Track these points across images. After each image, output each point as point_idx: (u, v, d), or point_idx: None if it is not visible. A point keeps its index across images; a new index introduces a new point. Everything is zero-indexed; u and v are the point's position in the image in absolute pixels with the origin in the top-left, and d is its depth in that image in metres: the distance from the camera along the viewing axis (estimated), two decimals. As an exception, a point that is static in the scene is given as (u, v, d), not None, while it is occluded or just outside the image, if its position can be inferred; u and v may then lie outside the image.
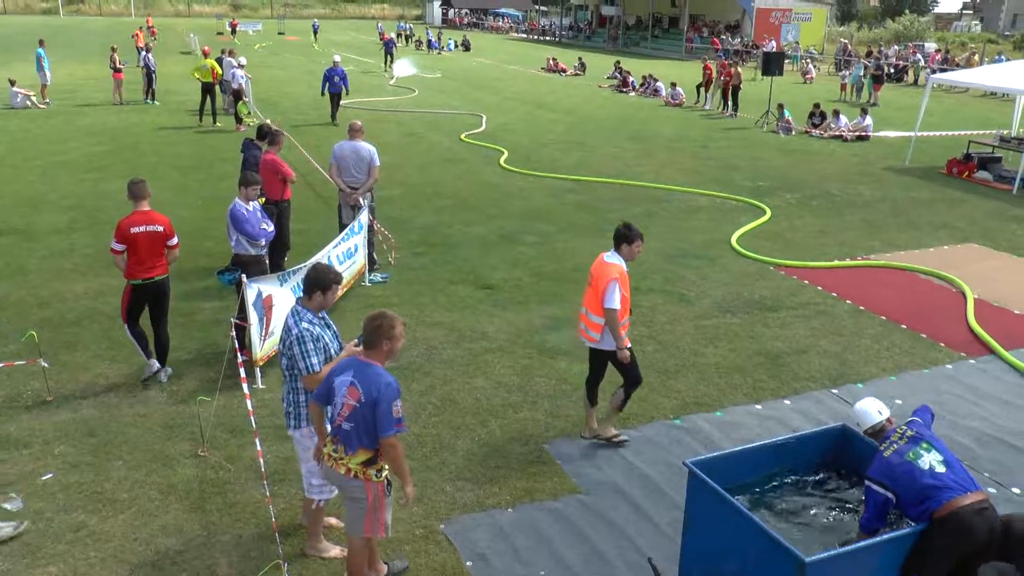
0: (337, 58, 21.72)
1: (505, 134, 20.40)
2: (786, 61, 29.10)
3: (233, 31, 53.98)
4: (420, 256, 10.92)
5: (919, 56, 39.46)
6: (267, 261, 8.11)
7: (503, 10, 78.29)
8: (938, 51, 41.16)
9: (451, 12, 77.55)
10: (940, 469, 4.33)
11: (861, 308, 9.49)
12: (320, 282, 4.77)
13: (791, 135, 21.55)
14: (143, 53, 24.54)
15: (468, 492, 5.84)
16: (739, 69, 25.59)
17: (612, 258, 6.12)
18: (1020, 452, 6.53)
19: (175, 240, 7.19)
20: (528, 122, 22.63)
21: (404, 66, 35.34)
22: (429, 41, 49.89)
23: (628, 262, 6.16)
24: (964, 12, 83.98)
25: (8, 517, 5.41)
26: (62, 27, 58.30)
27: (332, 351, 4.80)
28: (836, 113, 22.00)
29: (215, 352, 7.83)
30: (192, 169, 15.77)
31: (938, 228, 12.99)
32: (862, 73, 30.12)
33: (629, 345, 6.15)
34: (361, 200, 9.68)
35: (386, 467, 4.47)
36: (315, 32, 53.51)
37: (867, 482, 4.44)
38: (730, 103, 25.08)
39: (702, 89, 27.23)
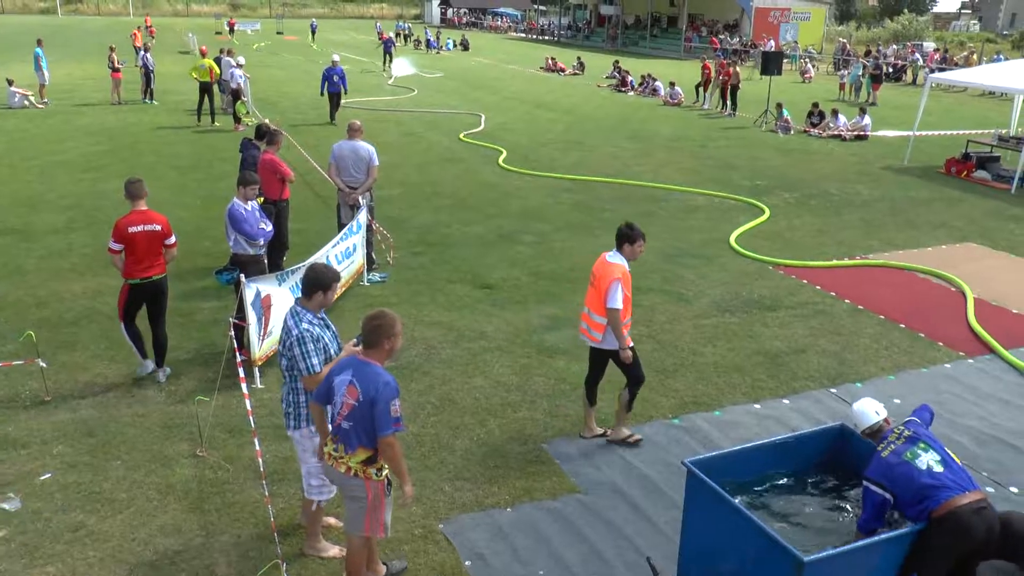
0: (336, 57, 21.71)
1: (504, 134, 20.39)
2: (785, 60, 29.12)
3: (231, 30, 53.96)
4: (419, 256, 10.92)
5: (917, 55, 39.48)
6: (265, 261, 8.11)
7: (502, 9, 78.28)
8: (936, 50, 41.18)
9: (450, 11, 77.53)
10: (938, 468, 4.34)
11: (860, 307, 9.50)
12: (321, 282, 4.77)
13: (790, 134, 21.55)
14: (141, 53, 24.52)
15: (467, 492, 5.84)
16: (737, 68, 25.59)
17: (614, 258, 6.12)
18: (1018, 451, 6.54)
19: (173, 239, 7.18)
20: (527, 122, 22.63)
21: (403, 65, 35.34)
22: (428, 40, 49.88)
23: (630, 262, 6.17)
24: (963, 11, 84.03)
25: (6, 517, 5.41)
26: (60, 27, 58.25)
27: (332, 352, 4.80)
28: (835, 112, 22.00)
29: (213, 352, 7.82)
30: (190, 169, 15.76)
31: (936, 227, 13.00)
32: (861, 72, 30.13)
33: (631, 344, 6.16)
34: (360, 200, 9.68)
35: (386, 466, 4.47)
36: (313, 32, 53.51)
37: (865, 482, 4.45)
38: (729, 102, 25.09)
39: (701, 89, 27.24)
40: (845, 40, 44.67)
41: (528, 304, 9.34)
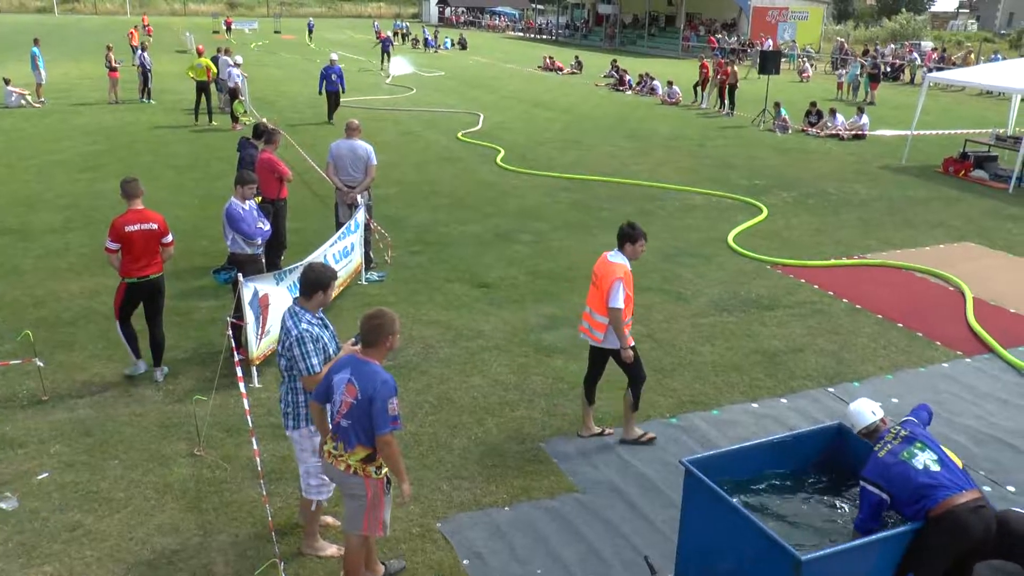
0: (334, 56, 21.67)
1: (502, 133, 20.39)
2: (783, 60, 29.13)
3: (228, 29, 53.90)
4: (416, 255, 10.91)
5: (915, 55, 39.48)
6: (263, 260, 8.10)
7: (500, 8, 78.24)
8: (934, 50, 41.21)
9: (448, 10, 77.47)
10: (935, 468, 4.34)
11: (858, 307, 9.50)
12: (321, 281, 4.77)
13: (787, 134, 21.56)
14: (139, 52, 24.48)
15: (465, 491, 5.84)
16: (735, 68, 25.59)
17: (616, 257, 6.13)
18: (1016, 450, 6.55)
19: (170, 237, 7.18)
20: (525, 121, 22.62)
21: (401, 64, 35.30)
22: (426, 40, 49.84)
23: (631, 261, 6.17)
24: (960, 11, 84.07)
25: (3, 517, 5.40)
26: (57, 26, 58.18)
27: (330, 351, 4.80)
28: (832, 112, 22.01)
29: (211, 351, 7.81)
30: (188, 168, 15.74)
31: (934, 227, 13.01)
32: (859, 72, 30.15)
33: (633, 344, 6.17)
34: (358, 198, 9.68)
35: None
36: (310, 31, 53.46)
37: (862, 483, 4.45)
38: (726, 102, 25.09)
39: (699, 88, 27.23)
40: (843, 39, 44.68)
41: (526, 303, 9.34)
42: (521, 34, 68.48)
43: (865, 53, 37.26)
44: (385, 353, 4.41)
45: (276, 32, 57.88)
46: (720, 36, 45.97)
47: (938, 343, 8.58)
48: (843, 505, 4.87)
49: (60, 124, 20.13)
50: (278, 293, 7.36)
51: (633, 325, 6.49)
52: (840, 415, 6.29)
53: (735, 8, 48.86)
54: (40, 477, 5.87)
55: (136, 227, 6.91)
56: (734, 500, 4.42)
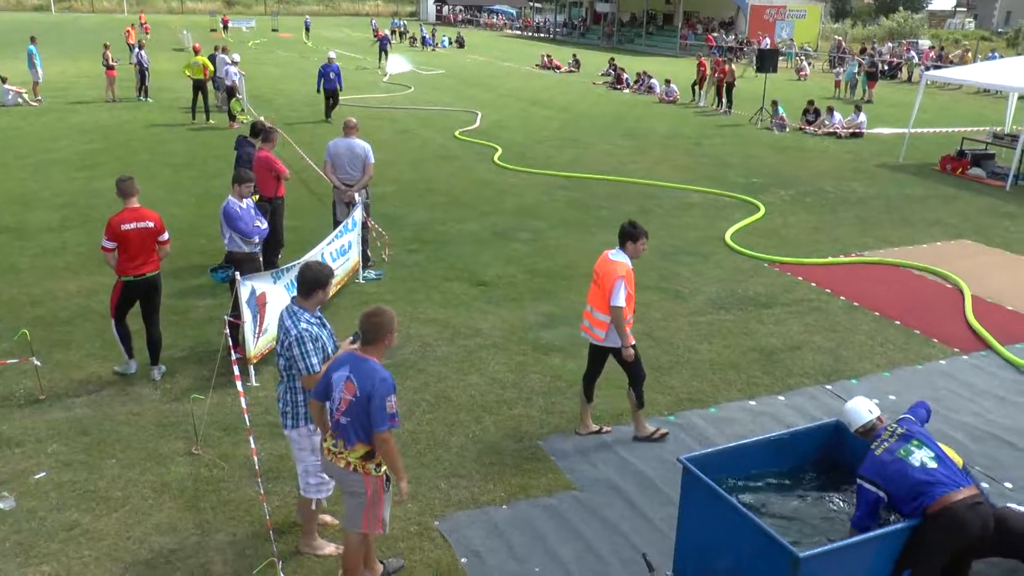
0: (332, 54, 21.64)
1: (499, 131, 20.38)
2: (780, 58, 29.14)
3: (225, 27, 53.83)
4: (414, 253, 10.91)
5: (913, 53, 39.51)
6: (261, 258, 8.10)
7: (497, 7, 78.22)
8: (932, 48, 41.23)
9: (445, 8, 77.42)
10: (932, 465, 4.35)
11: (855, 304, 9.51)
12: (318, 280, 4.78)
13: (785, 132, 21.57)
14: (136, 50, 24.43)
15: (462, 489, 5.84)
16: (733, 66, 25.59)
17: (617, 256, 6.13)
18: (1013, 447, 6.56)
19: (166, 235, 7.16)
20: (522, 119, 22.61)
21: (398, 63, 35.26)
22: (423, 38, 49.80)
23: (633, 260, 6.17)
24: (958, 9, 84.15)
25: (0, 516, 5.39)
26: (54, 24, 58.06)
27: (329, 350, 4.80)
28: (830, 110, 22.01)
29: (208, 350, 7.80)
30: (185, 166, 15.72)
31: (931, 225, 13.02)
32: (856, 70, 30.16)
33: (633, 342, 6.17)
34: (356, 197, 9.67)
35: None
36: (307, 29, 53.41)
37: (858, 480, 4.46)
38: (724, 100, 25.09)
39: (696, 86, 27.22)
40: (840, 38, 44.68)
41: (523, 301, 9.33)
42: (519, 32, 68.43)
43: (863, 51, 37.27)
44: (384, 351, 4.42)
45: (274, 30, 57.83)
46: (718, 34, 45.95)
47: (935, 340, 8.59)
48: (841, 502, 4.87)
49: (57, 122, 20.09)
50: (275, 291, 7.35)
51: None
52: (837, 412, 6.27)
53: (733, 6, 48.84)
54: (37, 476, 5.86)
55: (132, 225, 6.90)
56: (732, 498, 4.42)
